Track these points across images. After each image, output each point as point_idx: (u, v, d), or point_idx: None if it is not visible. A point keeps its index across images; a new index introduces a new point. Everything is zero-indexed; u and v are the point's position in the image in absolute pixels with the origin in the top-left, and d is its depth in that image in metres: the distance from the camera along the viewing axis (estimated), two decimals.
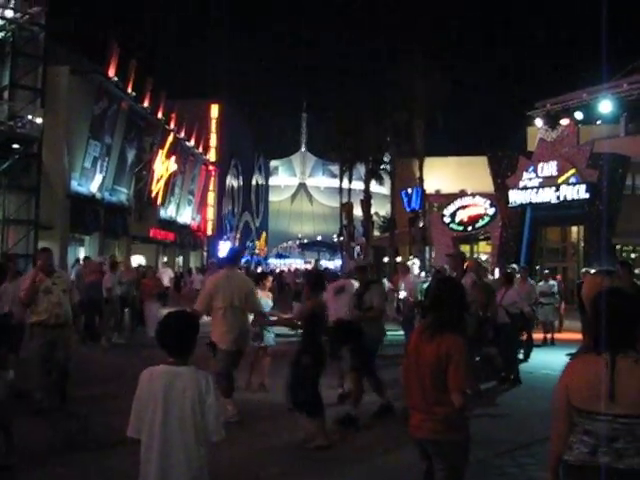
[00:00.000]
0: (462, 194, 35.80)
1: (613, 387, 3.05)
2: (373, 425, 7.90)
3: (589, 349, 3.23)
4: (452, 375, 3.85)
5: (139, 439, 3.58)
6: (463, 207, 34.17)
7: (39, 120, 25.06)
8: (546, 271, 19.69)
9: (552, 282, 17.62)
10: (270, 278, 10.48)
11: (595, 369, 3.13)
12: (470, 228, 33.73)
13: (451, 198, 35.73)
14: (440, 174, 42.57)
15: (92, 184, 31.00)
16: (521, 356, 12.21)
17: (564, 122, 28.69)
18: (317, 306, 7.29)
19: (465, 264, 10.10)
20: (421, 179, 37.46)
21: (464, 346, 3.97)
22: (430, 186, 39.31)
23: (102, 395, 9.09)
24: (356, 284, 9.05)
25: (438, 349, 3.90)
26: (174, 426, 3.50)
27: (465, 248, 35.76)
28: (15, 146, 24.59)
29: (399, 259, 40.29)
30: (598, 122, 30.24)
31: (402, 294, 18.42)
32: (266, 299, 10.11)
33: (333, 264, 63.12)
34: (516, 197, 29.75)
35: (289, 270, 49.23)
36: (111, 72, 31.19)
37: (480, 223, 33.27)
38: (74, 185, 29.08)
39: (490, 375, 10.19)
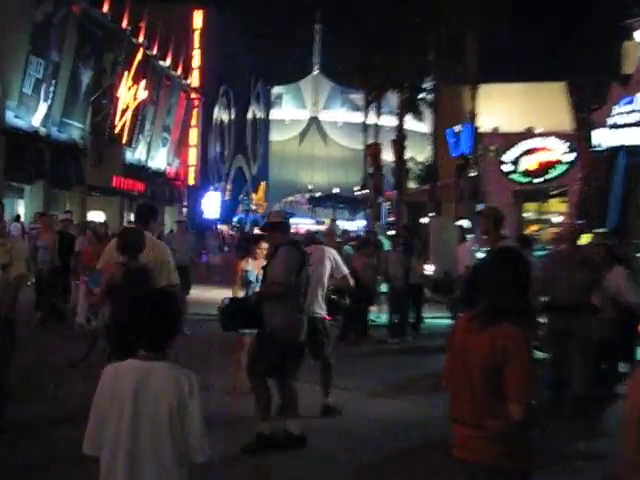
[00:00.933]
0: (529, 134, 35.54)
1: None
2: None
3: None
4: (510, 379, 3.81)
5: (98, 457, 3.57)
6: (530, 151, 33.97)
7: None
8: None
9: None
10: (264, 244, 10.17)
11: None
12: (539, 180, 33.55)
13: (513, 139, 35.48)
14: (499, 107, 42.19)
15: (34, 116, 30.96)
16: None
17: None
18: (114, 276, 7.14)
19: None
20: (473, 113, 37.19)
21: (528, 341, 3.92)
22: (486, 123, 38.98)
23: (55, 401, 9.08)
24: (331, 251, 8.74)
25: (492, 343, 3.86)
26: (146, 440, 3.52)
27: (531, 207, 35.59)
28: None
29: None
30: None
31: (428, 269, 18.18)
32: (254, 270, 9.80)
33: (355, 225, 63.07)
34: (604, 138, 29.34)
35: (297, 232, 49.09)
36: None
37: (553, 173, 33.08)
38: (10, 117, 29.06)
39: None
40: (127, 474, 3.49)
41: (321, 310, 8.17)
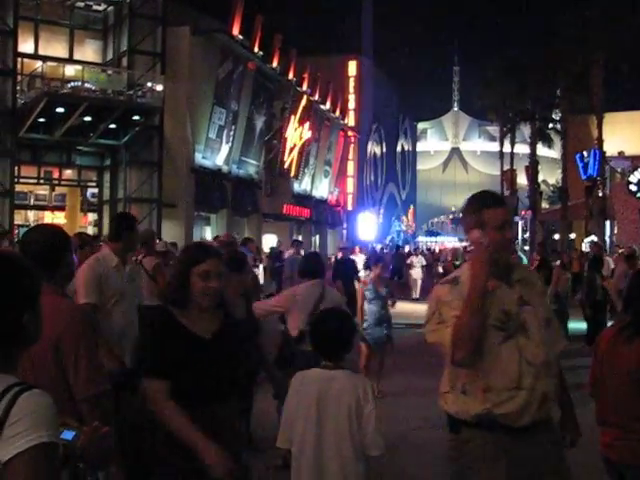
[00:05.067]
0: None
1: None
2: None
3: None
4: None
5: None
6: None
7: (159, 87, 25.96)
8: None
9: None
10: (378, 266, 9.83)
11: None
12: None
13: (638, 161, 34.12)
14: (624, 133, 40.53)
15: (218, 156, 31.82)
16: None
17: None
18: None
19: None
20: (600, 139, 35.78)
21: None
22: (611, 148, 37.47)
23: None
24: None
25: (639, 353, 3.66)
26: (329, 437, 3.59)
27: None
28: (135, 117, 25.62)
29: (573, 236, 38.80)
30: None
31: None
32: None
33: None
34: None
35: (439, 250, 48.65)
36: (235, 30, 31.70)
37: None
38: (198, 158, 29.90)
39: None
40: (313, 465, 3.56)
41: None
